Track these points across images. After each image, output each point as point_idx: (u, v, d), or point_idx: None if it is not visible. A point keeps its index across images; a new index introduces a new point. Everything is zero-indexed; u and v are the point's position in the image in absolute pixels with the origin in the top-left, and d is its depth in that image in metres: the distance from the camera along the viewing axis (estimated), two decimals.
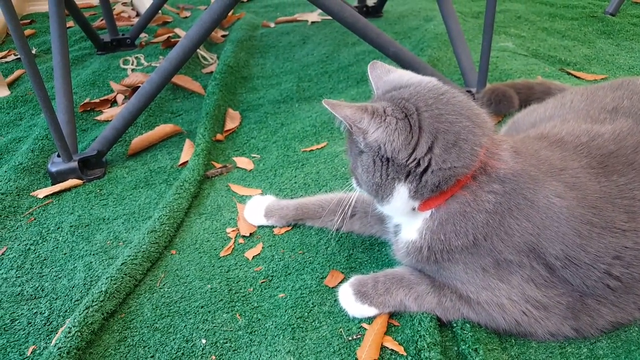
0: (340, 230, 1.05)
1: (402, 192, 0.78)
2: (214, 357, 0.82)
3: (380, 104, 0.77)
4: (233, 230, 1.09)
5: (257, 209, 1.09)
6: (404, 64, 1.38)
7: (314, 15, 2.39)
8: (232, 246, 1.05)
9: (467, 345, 0.79)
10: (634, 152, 0.82)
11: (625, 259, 0.76)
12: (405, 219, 0.85)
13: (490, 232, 0.76)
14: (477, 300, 0.81)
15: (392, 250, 0.93)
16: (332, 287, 0.93)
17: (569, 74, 1.71)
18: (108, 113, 1.59)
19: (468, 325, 0.81)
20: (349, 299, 0.87)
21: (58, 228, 1.13)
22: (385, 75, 0.86)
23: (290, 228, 1.09)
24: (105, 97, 1.67)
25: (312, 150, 1.36)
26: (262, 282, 0.96)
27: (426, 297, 0.84)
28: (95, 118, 1.57)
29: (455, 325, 0.83)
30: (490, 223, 0.76)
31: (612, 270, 0.76)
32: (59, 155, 1.27)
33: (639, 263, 0.77)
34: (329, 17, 1.55)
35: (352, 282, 0.88)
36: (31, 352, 0.84)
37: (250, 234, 1.08)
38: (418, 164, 0.75)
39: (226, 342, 0.84)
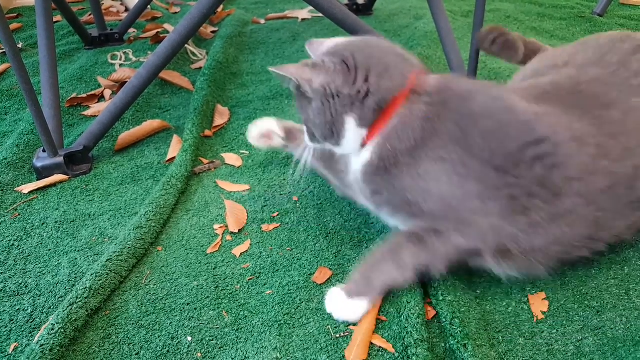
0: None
1: (351, 123, 0.88)
2: (199, 354, 0.81)
3: (319, 59, 0.91)
4: (220, 227, 1.08)
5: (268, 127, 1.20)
6: None
7: (305, 12, 2.39)
8: (220, 243, 1.04)
9: (456, 341, 0.79)
10: (569, 93, 0.91)
11: (549, 155, 0.83)
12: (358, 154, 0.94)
13: (425, 135, 0.85)
14: (427, 210, 0.86)
15: (351, 191, 1.02)
16: (320, 284, 0.93)
17: None
18: (95, 108, 1.57)
19: (457, 321, 0.81)
20: (340, 301, 0.87)
21: (43, 224, 1.11)
22: (320, 46, 0.97)
23: (278, 225, 1.08)
24: (93, 92, 1.65)
25: None
26: (249, 279, 0.95)
27: (403, 251, 0.86)
28: (82, 113, 1.56)
29: (444, 320, 0.83)
30: (425, 127, 0.85)
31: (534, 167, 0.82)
32: (44, 151, 1.25)
33: (562, 164, 0.83)
34: (320, 15, 1.54)
35: (341, 288, 0.88)
36: (13, 350, 0.83)
37: (239, 230, 1.07)
38: (358, 92, 0.86)
39: (212, 340, 0.84)
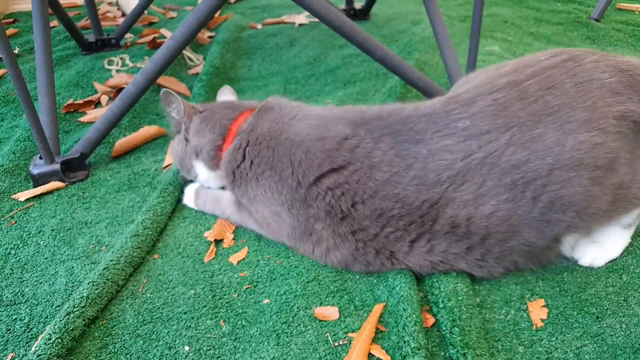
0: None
1: (200, 166, 1.11)
2: None
3: (204, 106, 1.15)
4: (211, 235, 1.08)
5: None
6: (390, 67, 1.37)
7: (302, 18, 2.39)
8: (213, 249, 1.04)
9: (455, 350, 0.79)
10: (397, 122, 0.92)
11: (336, 190, 0.91)
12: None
13: (240, 164, 1.01)
14: (260, 220, 1.04)
15: None
16: (322, 320, 0.88)
17: None
18: (92, 114, 1.57)
19: (457, 329, 0.81)
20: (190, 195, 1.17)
21: (39, 232, 1.10)
22: (221, 95, 1.28)
23: None
24: (89, 98, 1.65)
25: None
26: (246, 288, 0.95)
27: (238, 212, 1.09)
28: (79, 119, 1.55)
29: (444, 328, 0.83)
30: (238, 157, 1.02)
31: (327, 197, 0.92)
32: (41, 157, 1.24)
33: (351, 190, 0.90)
34: (317, 20, 1.54)
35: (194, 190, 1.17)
36: None
37: (219, 239, 1.07)
38: (199, 145, 1.09)
39: (210, 349, 0.83)
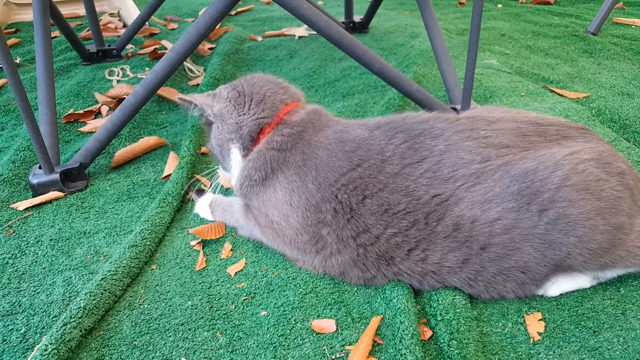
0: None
1: (235, 153, 1.02)
2: None
3: (218, 90, 1.07)
4: (198, 243, 1.09)
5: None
6: (388, 80, 1.38)
7: (301, 30, 2.40)
8: (203, 258, 1.05)
9: None
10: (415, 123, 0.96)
11: (349, 185, 0.92)
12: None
13: (275, 165, 0.97)
14: (264, 224, 1.02)
15: None
16: (319, 332, 0.88)
17: (552, 91, 1.73)
18: (92, 124, 1.58)
19: (455, 342, 0.81)
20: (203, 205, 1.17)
21: (38, 241, 1.10)
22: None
23: None
24: (90, 108, 1.66)
25: None
26: (244, 300, 0.95)
27: (249, 217, 1.06)
28: (79, 129, 1.56)
29: (442, 341, 0.83)
30: (276, 157, 0.97)
31: (339, 194, 0.92)
32: (40, 167, 1.25)
33: (362, 185, 0.91)
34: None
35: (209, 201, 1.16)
36: None
37: (201, 241, 1.08)
38: (239, 121, 1.01)
39: None
